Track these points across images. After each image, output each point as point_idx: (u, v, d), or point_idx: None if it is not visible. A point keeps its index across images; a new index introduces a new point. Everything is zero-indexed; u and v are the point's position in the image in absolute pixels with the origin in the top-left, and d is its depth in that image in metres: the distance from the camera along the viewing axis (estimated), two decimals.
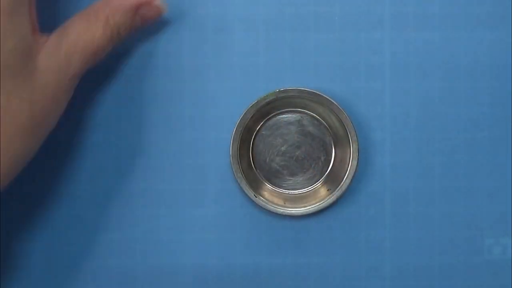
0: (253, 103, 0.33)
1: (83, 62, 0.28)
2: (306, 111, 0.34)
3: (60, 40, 0.28)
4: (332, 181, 0.34)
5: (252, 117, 0.33)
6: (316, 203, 0.33)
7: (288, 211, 0.33)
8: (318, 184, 0.34)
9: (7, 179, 0.27)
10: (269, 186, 0.35)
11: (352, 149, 0.33)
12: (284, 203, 0.34)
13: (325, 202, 0.33)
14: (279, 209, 0.33)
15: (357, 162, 0.33)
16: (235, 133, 0.33)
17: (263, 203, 0.33)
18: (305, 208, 0.33)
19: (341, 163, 0.34)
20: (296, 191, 0.35)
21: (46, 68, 0.26)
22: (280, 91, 0.33)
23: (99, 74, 0.34)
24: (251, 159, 0.35)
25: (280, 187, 0.35)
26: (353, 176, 0.33)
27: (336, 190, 0.33)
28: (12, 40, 0.25)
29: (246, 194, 0.33)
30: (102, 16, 0.28)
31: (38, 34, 0.28)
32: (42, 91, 0.26)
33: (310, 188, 0.35)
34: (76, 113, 0.34)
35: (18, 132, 0.26)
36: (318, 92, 0.33)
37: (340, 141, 0.34)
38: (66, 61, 0.27)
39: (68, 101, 0.29)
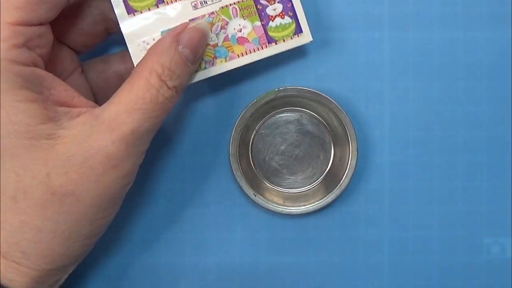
0: (253, 102, 0.33)
1: (134, 122, 0.26)
2: (305, 110, 0.34)
3: (100, 111, 0.27)
4: (331, 180, 0.34)
5: (251, 116, 0.33)
6: (315, 202, 0.33)
7: (287, 210, 0.33)
8: (317, 183, 0.35)
9: (44, 264, 0.26)
10: (268, 185, 0.35)
11: (351, 148, 0.33)
12: (284, 202, 0.34)
13: (324, 201, 0.33)
14: (278, 208, 0.33)
15: (356, 161, 0.33)
16: (234, 132, 0.33)
17: (263, 202, 0.33)
18: (305, 207, 0.33)
19: (340, 162, 0.34)
20: (295, 190, 0.35)
21: (73, 140, 0.26)
22: (279, 90, 0.33)
23: None
24: (251, 158, 0.35)
25: (279, 186, 0.35)
26: (352, 175, 0.33)
27: (335, 189, 0.33)
28: (11, 126, 0.25)
29: (245, 193, 0.33)
30: (144, 70, 0.27)
31: (69, 107, 0.27)
32: (64, 163, 0.25)
33: (309, 187, 0.35)
34: None
35: (37, 205, 0.25)
36: (317, 91, 0.33)
37: (339, 140, 0.34)
38: (105, 130, 0.26)
39: (133, 163, 0.27)
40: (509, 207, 0.35)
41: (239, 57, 0.31)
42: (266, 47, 0.31)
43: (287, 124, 0.34)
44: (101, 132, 0.26)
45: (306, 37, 0.31)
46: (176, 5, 0.30)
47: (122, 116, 0.26)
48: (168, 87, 0.27)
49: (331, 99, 0.33)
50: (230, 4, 0.31)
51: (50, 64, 0.29)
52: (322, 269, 0.35)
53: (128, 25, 0.30)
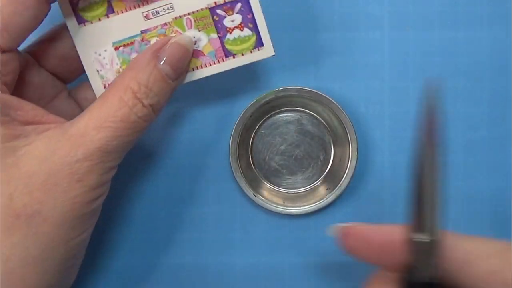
0: (253, 102, 0.33)
1: (102, 140, 0.25)
2: (305, 110, 0.34)
3: (69, 125, 0.26)
4: (331, 180, 0.34)
5: (251, 116, 0.33)
6: (315, 202, 0.33)
7: (287, 210, 0.33)
8: (317, 183, 0.34)
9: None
10: (268, 185, 0.35)
11: (351, 148, 0.33)
12: (283, 202, 0.34)
13: (324, 201, 0.33)
14: (278, 208, 0.33)
15: (356, 161, 0.33)
16: (234, 132, 0.33)
17: (263, 202, 0.33)
18: (304, 207, 0.33)
19: (340, 162, 0.34)
20: (295, 190, 0.35)
21: (37, 155, 0.25)
22: (279, 90, 0.33)
23: None
24: (250, 158, 0.35)
25: (279, 186, 0.35)
26: (352, 175, 0.33)
27: (335, 189, 0.33)
28: None
29: (245, 193, 0.33)
30: (119, 86, 0.26)
31: (38, 124, 0.26)
32: (26, 181, 0.25)
33: (309, 187, 0.35)
34: None
35: (3, 231, 0.24)
36: (317, 91, 0.33)
37: (339, 140, 0.34)
38: (71, 145, 0.25)
39: (99, 178, 0.26)
40: (509, 207, 0.35)
41: (193, 70, 0.30)
42: (224, 60, 0.30)
43: (287, 124, 0.34)
44: (66, 148, 0.25)
45: (267, 51, 0.30)
46: (126, 16, 0.29)
47: (91, 133, 0.25)
48: (144, 105, 0.26)
49: (331, 99, 0.33)
50: (184, 15, 0.29)
51: (27, 88, 0.28)
52: (322, 269, 0.35)
53: (79, 36, 0.29)
